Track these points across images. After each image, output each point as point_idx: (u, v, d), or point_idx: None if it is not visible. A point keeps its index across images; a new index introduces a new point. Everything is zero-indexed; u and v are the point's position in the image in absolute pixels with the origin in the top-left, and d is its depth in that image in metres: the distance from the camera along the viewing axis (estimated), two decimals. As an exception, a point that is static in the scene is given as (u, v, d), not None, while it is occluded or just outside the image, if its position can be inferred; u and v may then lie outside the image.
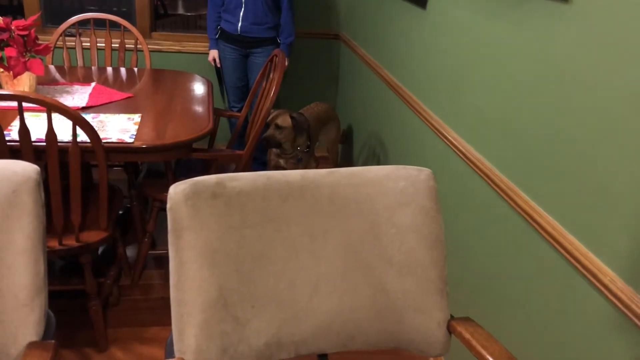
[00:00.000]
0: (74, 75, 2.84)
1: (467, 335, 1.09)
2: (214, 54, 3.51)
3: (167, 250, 2.68)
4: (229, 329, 1.07)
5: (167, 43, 3.82)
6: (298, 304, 1.16)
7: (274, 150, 3.20)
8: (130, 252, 2.86)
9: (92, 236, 2.08)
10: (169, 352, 1.06)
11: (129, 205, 3.10)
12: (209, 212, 1.07)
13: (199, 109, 2.51)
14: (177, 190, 1.06)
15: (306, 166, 3.23)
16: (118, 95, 2.56)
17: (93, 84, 2.69)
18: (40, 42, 2.41)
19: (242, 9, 3.26)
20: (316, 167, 3.49)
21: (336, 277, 1.18)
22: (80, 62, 3.13)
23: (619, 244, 1.21)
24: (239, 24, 3.31)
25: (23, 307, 1.02)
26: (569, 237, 1.38)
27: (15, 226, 1.02)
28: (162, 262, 2.86)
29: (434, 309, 1.16)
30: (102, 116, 2.28)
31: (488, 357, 1.01)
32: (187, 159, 2.70)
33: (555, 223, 1.45)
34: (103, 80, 2.79)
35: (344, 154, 3.90)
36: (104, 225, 2.11)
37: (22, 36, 2.31)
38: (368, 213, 1.18)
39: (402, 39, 2.71)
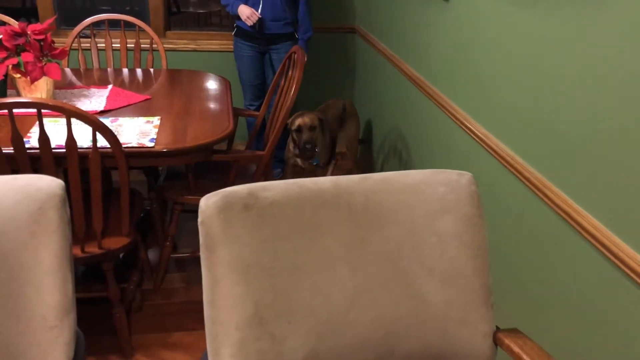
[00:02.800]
0: (90, 78, 2.81)
1: (517, 349, 1.03)
2: (244, 8, 3.19)
3: (189, 253, 2.64)
4: (266, 347, 1.02)
5: (182, 42, 3.78)
6: (335, 317, 1.11)
7: (292, 149, 3.14)
8: (151, 255, 2.83)
9: (114, 242, 2.05)
10: (205, 371, 1.02)
11: (148, 208, 3.07)
12: (242, 225, 1.02)
13: (218, 109, 2.46)
14: (208, 204, 1.01)
15: (324, 166, 3.17)
16: (135, 97, 2.51)
17: (110, 86, 2.65)
18: (56, 45, 2.37)
19: (260, 6, 3.20)
20: (335, 164, 3.43)
21: (374, 289, 1.12)
22: (95, 64, 3.09)
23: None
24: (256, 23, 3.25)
25: (52, 329, 0.98)
26: (614, 239, 1.32)
27: (41, 244, 0.98)
28: (184, 265, 2.83)
29: (478, 320, 1.10)
30: (120, 120, 2.24)
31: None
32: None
33: (597, 223, 1.38)
34: (120, 83, 2.75)
35: (364, 150, 3.84)
36: (126, 231, 2.08)
37: (39, 40, 2.28)
38: (405, 221, 1.12)
39: (424, 32, 2.64)
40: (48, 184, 1.00)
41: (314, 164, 3.06)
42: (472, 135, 2.08)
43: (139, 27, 3.10)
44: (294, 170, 3.21)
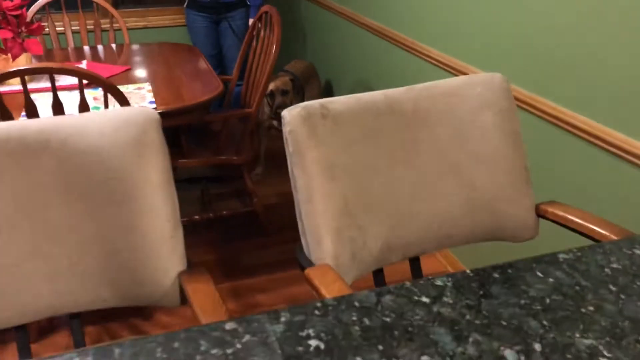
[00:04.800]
0: (59, 57, 2.78)
1: (561, 212, 1.22)
2: None
3: (185, 220, 2.70)
4: (355, 235, 1.16)
5: (132, 20, 3.76)
6: (401, 209, 1.26)
7: (267, 112, 3.24)
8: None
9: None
10: (305, 261, 1.14)
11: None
12: (323, 131, 1.15)
13: (201, 71, 2.53)
14: (293, 114, 1.13)
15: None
16: (116, 69, 2.53)
17: (84, 61, 2.65)
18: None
19: (214, -27, 3.25)
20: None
21: (431, 182, 1.28)
22: (56, 45, 3.05)
23: None
24: None
25: (170, 239, 1.07)
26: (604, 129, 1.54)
27: (150, 163, 1.07)
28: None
29: (522, 196, 1.29)
30: (112, 88, 2.27)
31: (592, 226, 1.15)
32: (189, 129, 2.72)
33: (586, 119, 1.60)
34: (92, 58, 2.75)
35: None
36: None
37: (15, 17, 2.26)
38: (451, 119, 1.28)
39: (384, -16, 2.80)
40: (146, 111, 1.09)
41: None
42: (453, 70, 2.27)
43: (98, 5, 3.08)
44: (269, 133, 3.31)
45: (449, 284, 0.88)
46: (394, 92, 1.29)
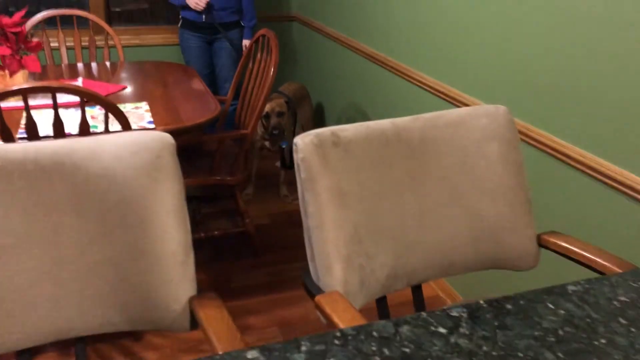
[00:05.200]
0: (53, 73, 2.78)
1: (563, 243, 1.25)
2: None
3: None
4: (364, 262, 1.18)
5: (125, 38, 3.76)
6: (407, 237, 1.28)
7: (260, 133, 3.25)
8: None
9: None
10: (313, 287, 1.15)
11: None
12: (334, 159, 1.17)
13: (198, 92, 2.54)
14: (306, 142, 1.14)
15: (290, 147, 3.31)
16: (112, 87, 2.54)
17: (80, 78, 2.65)
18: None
19: (208, -4, 3.28)
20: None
21: (436, 210, 1.30)
22: (50, 61, 3.05)
23: None
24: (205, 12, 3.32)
25: (181, 264, 1.07)
26: (599, 160, 1.58)
27: (164, 188, 1.07)
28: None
29: (525, 226, 1.31)
30: (109, 107, 2.27)
31: (594, 257, 1.18)
32: (183, 148, 2.72)
33: (582, 151, 1.64)
34: (87, 76, 2.74)
35: (314, 132, 4.00)
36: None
37: (14, 33, 2.26)
38: (457, 149, 1.31)
39: (378, 8, 2.85)
40: (161, 136, 1.09)
41: (283, 146, 3.19)
42: (445, 98, 2.31)
43: (94, 23, 3.08)
44: (260, 153, 3.33)
45: (464, 314, 0.89)
46: (402, 121, 1.31)
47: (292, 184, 3.54)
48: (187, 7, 3.31)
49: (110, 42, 3.66)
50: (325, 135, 1.18)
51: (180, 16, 3.46)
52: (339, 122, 3.56)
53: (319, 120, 3.90)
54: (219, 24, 3.37)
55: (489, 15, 2.01)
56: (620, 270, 1.12)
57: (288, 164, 3.24)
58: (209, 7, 3.26)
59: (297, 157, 1.15)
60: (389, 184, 1.26)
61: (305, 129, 3.66)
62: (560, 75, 1.71)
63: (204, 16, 3.32)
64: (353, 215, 1.17)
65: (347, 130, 1.23)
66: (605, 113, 1.56)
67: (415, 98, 2.58)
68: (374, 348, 0.81)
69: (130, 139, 1.09)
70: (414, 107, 2.61)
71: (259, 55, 2.72)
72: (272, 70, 2.50)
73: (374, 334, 0.84)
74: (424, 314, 0.89)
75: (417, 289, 1.42)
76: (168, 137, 1.10)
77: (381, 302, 1.35)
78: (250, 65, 2.80)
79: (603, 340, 0.84)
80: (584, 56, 1.61)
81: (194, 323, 1.09)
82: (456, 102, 2.22)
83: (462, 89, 2.21)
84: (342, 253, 1.13)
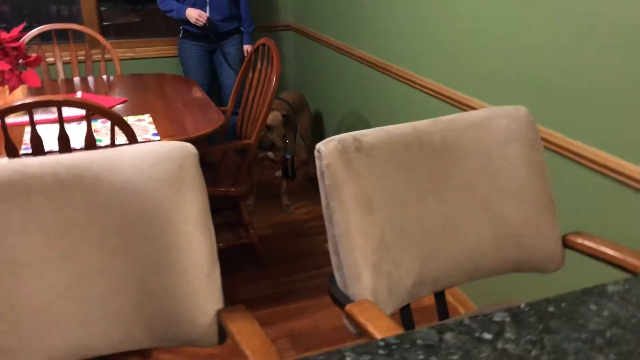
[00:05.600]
0: (50, 89, 2.74)
1: (591, 244, 1.24)
2: (191, 11, 3.24)
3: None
4: (392, 269, 1.15)
5: (120, 51, 3.72)
6: (432, 243, 1.25)
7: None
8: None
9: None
10: (341, 296, 1.12)
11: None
12: (358, 165, 1.14)
13: (200, 103, 2.51)
14: (329, 148, 1.12)
15: (293, 157, 3.28)
16: (112, 100, 2.50)
17: (79, 92, 2.61)
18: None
19: (208, 7, 3.26)
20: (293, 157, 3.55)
21: (460, 215, 1.28)
22: (45, 76, 3.01)
23: None
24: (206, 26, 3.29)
25: (208, 276, 1.04)
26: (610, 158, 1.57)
27: (188, 200, 1.04)
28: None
29: (550, 228, 1.29)
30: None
31: (626, 257, 1.16)
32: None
33: (594, 149, 1.63)
34: (86, 89, 2.71)
35: (319, 139, 3.98)
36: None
37: (14, 48, 2.22)
38: (478, 152, 1.29)
39: (379, 15, 2.84)
40: (182, 146, 1.07)
41: (287, 157, 3.16)
42: (452, 102, 2.30)
43: (89, 36, 3.05)
44: (263, 164, 3.29)
45: (508, 319, 0.87)
46: (421, 124, 1.29)
47: (293, 194, 3.51)
48: (187, 22, 3.28)
49: (107, 56, 3.64)
50: (348, 140, 1.16)
51: (180, 27, 3.43)
52: (338, 130, 3.54)
53: (317, 129, 3.88)
54: (219, 34, 3.35)
55: (495, 17, 2.00)
56: (652, 269, 1.11)
57: (290, 173, 3.22)
58: (209, 22, 3.24)
59: (321, 164, 1.12)
60: (412, 188, 1.23)
61: (304, 138, 3.64)
62: (570, 75, 1.70)
63: (206, 25, 3.29)
64: (379, 221, 1.14)
65: (368, 135, 1.21)
66: (616, 111, 1.55)
67: (421, 103, 2.56)
68: (421, 357, 0.79)
69: (150, 150, 1.06)
70: (420, 113, 2.60)
71: (259, 64, 2.70)
72: (275, 79, 2.48)
73: (419, 342, 0.82)
74: (466, 320, 0.86)
75: (439, 295, 1.40)
76: (190, 147, 1.07)
77: (405, 309, 1.32)
78: (250, 74, 2.78)
79: (653, 341, 0.82)
80: (594, 55, 1.60)
81: (222, 337, 1.06)
82: (463, 106, 2.20)
83: (469, 92, 2.20)
84: (370, 260, 1.10)
